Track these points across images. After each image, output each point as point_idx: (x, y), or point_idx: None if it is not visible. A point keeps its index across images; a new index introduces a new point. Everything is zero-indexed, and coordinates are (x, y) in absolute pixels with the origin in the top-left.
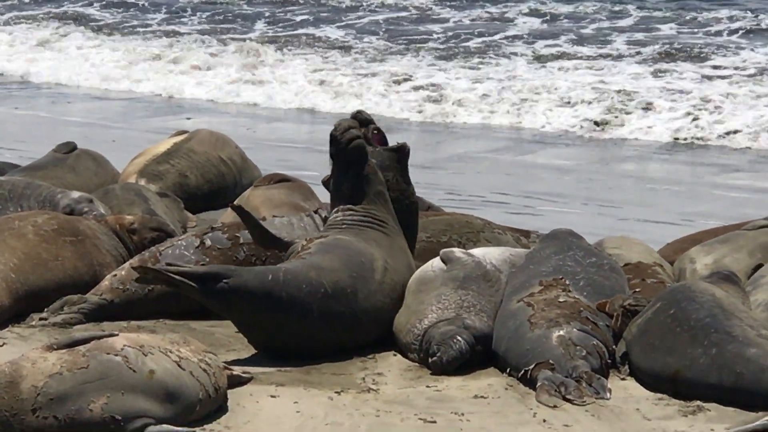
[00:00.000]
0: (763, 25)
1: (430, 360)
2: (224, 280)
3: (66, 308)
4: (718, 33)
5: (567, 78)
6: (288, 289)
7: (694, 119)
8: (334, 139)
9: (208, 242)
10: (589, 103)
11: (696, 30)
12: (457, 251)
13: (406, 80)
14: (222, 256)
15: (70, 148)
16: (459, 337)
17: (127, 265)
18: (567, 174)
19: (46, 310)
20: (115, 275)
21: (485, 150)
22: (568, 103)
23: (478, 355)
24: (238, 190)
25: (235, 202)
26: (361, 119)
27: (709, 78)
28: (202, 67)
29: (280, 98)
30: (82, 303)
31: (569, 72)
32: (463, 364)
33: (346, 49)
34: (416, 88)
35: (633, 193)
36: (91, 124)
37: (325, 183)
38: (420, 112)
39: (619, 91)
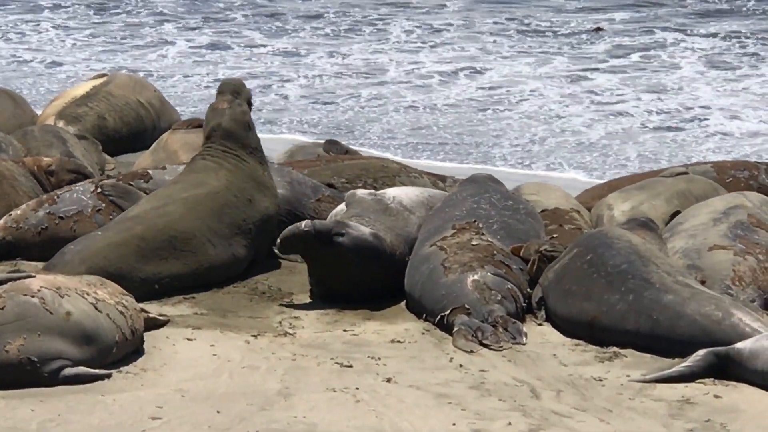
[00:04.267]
0: None
1: None
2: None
3: None
4: None
5: None
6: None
7: None
8: None
9: (100, 189)
10: None
11: None
12: (360, 192)
13: None
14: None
15: None
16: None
17: (23, 206)
18: None
19: None
20: (10, 215)
21: None
22: None
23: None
24: (157, 133)
25: (153, 146)
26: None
27: None
28: None
29: None
30: None
31: None
32: (379, 307)
33: None
34: None
35: None
36: None
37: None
38: None
39: None
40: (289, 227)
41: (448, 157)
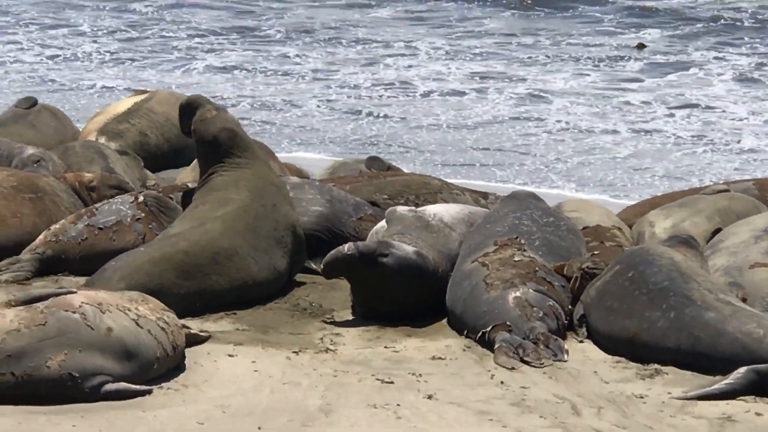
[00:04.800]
0: None
1: None
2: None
3: (2, 269)
4: None
5: None
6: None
7: None
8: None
9: (142, 198)
10: None
11: None
12: (400, 209)
13: None
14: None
15: (30, 103)
16: (345, 245)
17: (63, 220)
18: None
19: None
20: (50, 229)
21: None
22: None
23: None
24: None
25: (194, 162)
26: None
27: None
28: None
29: None
30: (15, 263)
31: None
32: (420, 324)
33: None
34: None
35: None
36: None
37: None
38: None
39: None
40: (332, 251)
41: (474, 174)
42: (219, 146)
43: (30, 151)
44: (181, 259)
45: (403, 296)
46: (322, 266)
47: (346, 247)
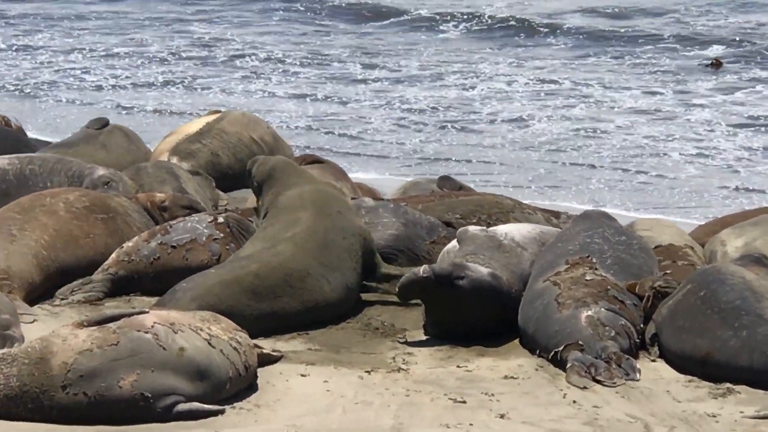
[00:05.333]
0: None
1: None
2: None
3: (75, 290)
4: None
5: None
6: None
7: None
8: None
9: (222, 219)
10: None
11: None
12: (472, 228)
13: None
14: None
15: (102, 123)
16: (420, 267)
17: (135, 238)
18: None
19: (57, 294)
20: (122, 248)
21: None
22: None
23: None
24: None
25: None
26: None
27: None
28: None
29: None
30: (88, 284)
31: None
32: (493, 343)
33: None
34: None
35: None
36: None
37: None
38: None
39: None
40: (408, 274)
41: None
42: (275, 173)
43: (100, 172)
44: (251, 281)
45: (478, 317)
46: (397, 289)
47: (422, 270)
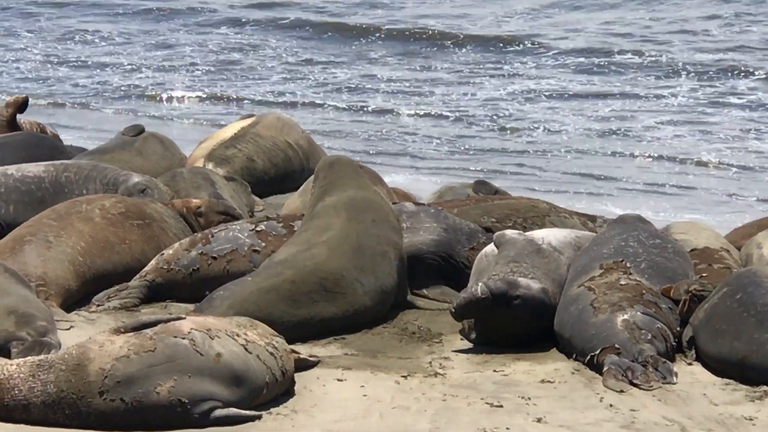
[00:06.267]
0: None
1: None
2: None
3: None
4: None
5: None
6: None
7: None
8: None
9: (262, 227)
10: None
11: None
12: (509, 232)
13: None
14: (276, 242)
15: (137, 130)
16: (476, 286)
17: (176, 245)
18: None
19: (93, 300)
20: (162, 254)
21: None
22: None
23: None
24: (305, 174)
25: (302, 187)
26: None
27: None
28: None
29: None
30: (124, 290)
31: None
32: (529, 348)
33: None
34: None
35: None
36: None
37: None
38: None
39: None
40: (464, 294)
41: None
42: (332, 169)
43: (136, 179)
44: (288, 288)
45: (528, 330)
46: (453, 309)
47: (479, 291)
